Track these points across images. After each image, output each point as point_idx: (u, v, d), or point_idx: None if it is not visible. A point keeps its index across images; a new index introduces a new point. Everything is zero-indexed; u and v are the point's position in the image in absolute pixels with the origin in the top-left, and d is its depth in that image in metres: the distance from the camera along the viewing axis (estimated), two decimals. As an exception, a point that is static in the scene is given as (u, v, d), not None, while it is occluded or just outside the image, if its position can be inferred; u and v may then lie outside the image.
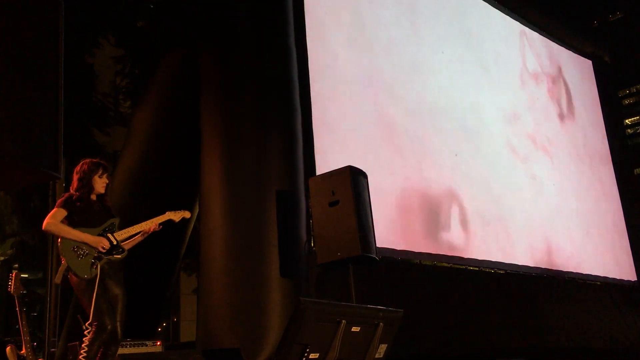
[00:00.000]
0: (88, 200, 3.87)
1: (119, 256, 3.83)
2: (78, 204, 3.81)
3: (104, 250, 3.75)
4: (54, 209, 3.78)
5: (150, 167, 6.75)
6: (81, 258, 3.69)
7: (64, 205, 3.78)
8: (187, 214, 4.24)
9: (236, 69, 6.24)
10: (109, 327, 3.61)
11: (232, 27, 6.35)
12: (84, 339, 3.61)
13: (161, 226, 4.03)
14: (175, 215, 4.15)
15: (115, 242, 3.81)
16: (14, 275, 4.07)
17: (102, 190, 3.95)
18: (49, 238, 4.78)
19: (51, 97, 2.99)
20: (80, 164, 3.96)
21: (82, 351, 3.57)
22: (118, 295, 3.79)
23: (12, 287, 4.06)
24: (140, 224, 3.94)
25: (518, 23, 10.96)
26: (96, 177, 3.91)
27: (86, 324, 3.63)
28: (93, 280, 3.65)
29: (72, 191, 3.89)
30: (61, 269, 3.73)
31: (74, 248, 3.70)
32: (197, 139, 6.26)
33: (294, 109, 6.34)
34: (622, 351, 9.93)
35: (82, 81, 9.77)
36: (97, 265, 3.69)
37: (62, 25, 3.17)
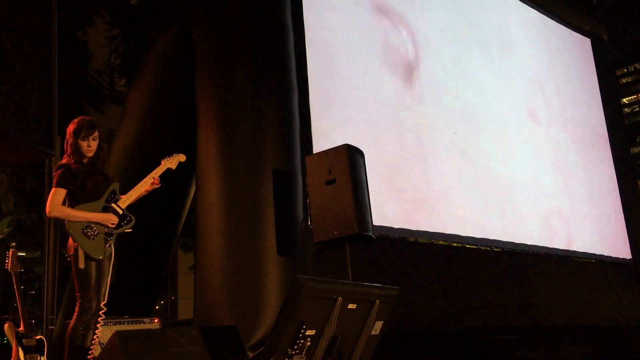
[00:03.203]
0: (83, 169, 3.67)
1: (129, 226, 3.73)
2: (75, 177, 3.63)
3: (114, 226, 3.65)
4: (52, 190, 3.62)
5: (146, 145, 6.72)
6: (93, 239, 3.57)
7: (61, 184, 3.60)
8: (182, 157, 4.04)
9: (231, 46, 6.18)
10: (94, 306, 3.56)
11: (227, 3, 6.28)
12: (74, 320, 3.57)
13: (155, 185, 3.85)
14: (172, 162, 3.97)
15: (121, 212, 3.70)
16: (10, 253, 4.07)
17: (89, 155, 3.71)
18: (46, 216, 4.78)
19: (45, 74, 2.97)
20: (71, 122, 3.73)
21: (68, 334, 3.54)
22: (106, 269, 3.67)
23: (9, 264, 4.06)
24: (139, 185, 3.79)
25: (516, 0, 10.88)
26: (79, 141, 3.66)
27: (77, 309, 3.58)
28: (107, 258, 3.61)
29: (65, 159, 3.70)
30: (80, 254, 3.63)
31: (83, 230, 3.56)
32: (193, 117, 6.23)
33: (290, 86, 6.31)
34: (617, 329, 10.03)
35: (76, 59, 9.71)
36: (110, 243, 3.63)
37: (55, 2, 3.14)
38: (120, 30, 10.36)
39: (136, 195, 3.80)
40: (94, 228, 3.59)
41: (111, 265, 3.71)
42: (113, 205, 3.69)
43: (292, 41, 6.49)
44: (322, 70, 7.05)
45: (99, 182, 3.73)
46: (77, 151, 3.68)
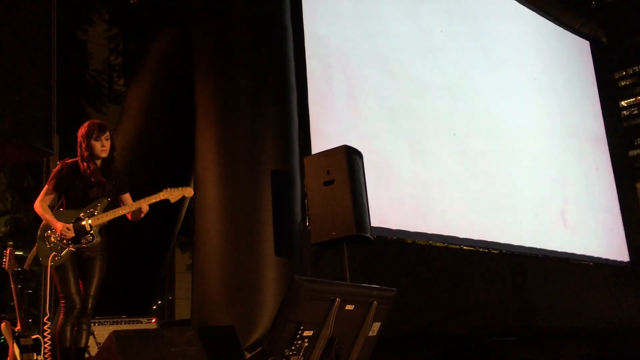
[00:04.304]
0: (84, 172, 3.64)
1: (85, 245, 3.60)
2: (68, 178, 3.63)
3: (65, 240, 3.55)
4: (45, 188, 3.67)
5: (145, 145, 6.72)
6: (49, 245, 3.55)
7: (53, 186, 3.64)
8: (188, 192, 3.79)
9: (230, 46, 6.19)
10: (78, 305, 3.54)
11: (227, 3, 6.28)
12: (59, 320, 3.55)
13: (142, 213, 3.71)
14: (172, 195, 3.70)
15: (88, 229, 3.58)
16: (8, 252, 4.07)
17: (103, 155, 3.66)
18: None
19: (44, 73, 2.97)
20: (81, 126, 3.70)
21: (56, 335, 3.50)
22: (94, 270, 3.65)
23: (7, 264, 4.06)
24: (124, 207, 3.68)
25: (516, 2, 10.89)
26: (92, 142, 3.62)
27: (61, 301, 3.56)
28: (60, 265, 3.53)
29: (75, 158, 3.70)
30: (31, 254, 3.65)
31: (46, 233, 3.58)
32: (192, 117, 6.23)
33: (289, 86, 6.31)
34: (614, 331, 10.03)
35: (75, 58, 9.70)
36: (60, 256, 3.53)
37: (54, 1, 3.13)
38: (119, 29, 10.35)
39: (114, 216, 3.66)
40: (54, 235, 3.57)
41: (97, 267, 3.67)
42: (85, 219, 3.61)
43: (291, 42, 6.50)
44: (321, 71, 7.05)
45: (91, 192, 3.67)
46: (90, 152, 3.66)
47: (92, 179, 3.67)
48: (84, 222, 3.60)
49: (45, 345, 3.54)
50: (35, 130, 2.74)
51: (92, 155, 3.67)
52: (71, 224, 3.57)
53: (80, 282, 3.62)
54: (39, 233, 3.62)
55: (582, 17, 12.74)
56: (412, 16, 8.56)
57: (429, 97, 8.37)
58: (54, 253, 3.54)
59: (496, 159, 9.20)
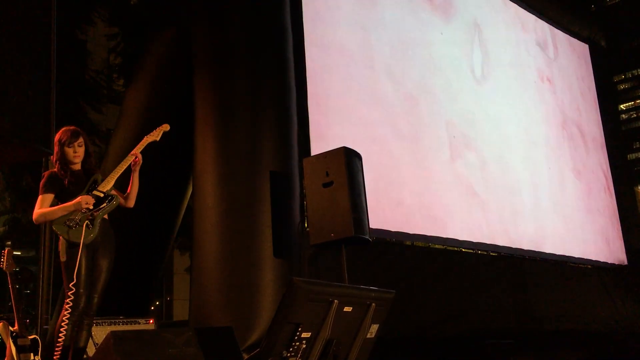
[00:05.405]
0: (70, 173, 3.71)
1: (111, 205, 3.67)
2: (60, 180, 3.67)
3: (92, 207, 3.58)
4: (39, 197, 3.66)
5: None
6: (76, 227, 3.54)
7: (48, 190, 3.65)
8: (165, 127, 4.06)
9: (230, 46, 6.18)
10: (83, 301, 3.53)
11: (226, 4, 6.28)
12: (61, 316, 3.52)
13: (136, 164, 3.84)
14: (154, 136, 4.00)
15: (102, 195, 3.66)
16: (6, 252, 4.06)
17: (77, 161, 3.73)
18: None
19: (43, 72, 2.96)
20: (57, 133, 3.75)
21: (60, 332, 3.48)
22: (103, 267, 3.66)
23: (5, 263, 4.05)
24: (118, 166, 3.77)
25: (516, 5, 10.90)
26: (65, 148, 3.70)
27: (66, 292, 3.53)
28: (85, 244, 3.54)
29: (54, 163, 3.76)
30: (61, 246, 3.63)
31: (65, 222, 3.55)
32: (191, 118, 6.22)
33: (288, 87, 6.30)
34: (611, 334, 10.04)
35: (75, 58, 9.70)
36: (93, 225, 3.56)
37: (54, 1, 3.13)
38: (119, 29, 10.35)
39: (117, 177, 3.75)
40: (76, 217, 3.56)
41: (106, 264, 3.67)
42: (94, 192, 3.66)
43: (291, 42, 6.50)
44: (321, 73, 7.06)
45: (84, 180, 3.72)
46: (64, 159, 3.71)
47: (79, 178, 3.72)
48: (94, 193, 3.65)
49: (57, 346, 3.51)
50: (34, 129, 2.73)
51: (66, 162, 3.72)
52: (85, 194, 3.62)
53: None
54: (58, 230, 3.58)
55: (581, 21, 12.76)
56: (411, 19, 8.57)
57: (428, 99, 8.38)
58: (86, 222, 3.55)
59: (495, 162, 9.21)
